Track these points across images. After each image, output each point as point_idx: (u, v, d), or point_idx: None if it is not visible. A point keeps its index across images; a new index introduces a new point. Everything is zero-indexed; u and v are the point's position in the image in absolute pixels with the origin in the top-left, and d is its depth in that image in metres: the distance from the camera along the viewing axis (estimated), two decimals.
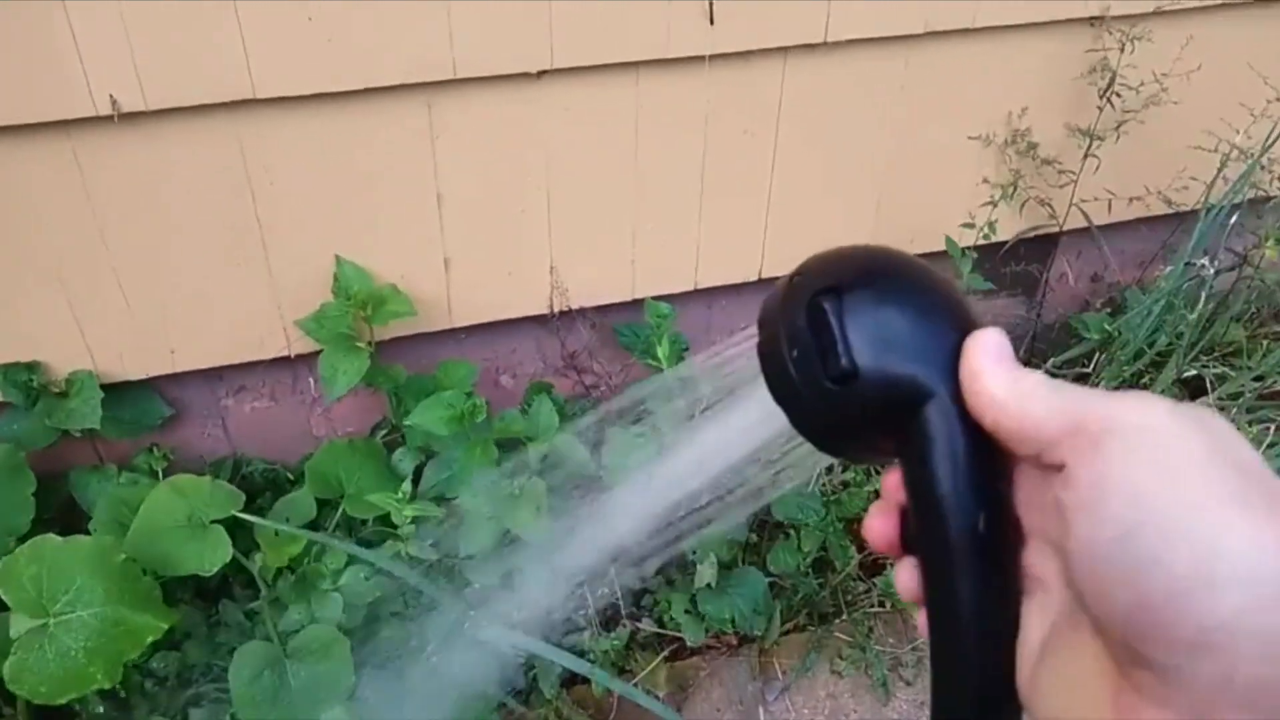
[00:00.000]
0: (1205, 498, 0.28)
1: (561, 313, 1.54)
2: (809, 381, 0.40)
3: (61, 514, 1.39)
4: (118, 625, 1.07)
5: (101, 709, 1.23)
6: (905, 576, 0.39)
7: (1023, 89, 1.57)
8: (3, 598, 1.04)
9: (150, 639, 1.08)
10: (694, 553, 1.37)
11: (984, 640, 0.38)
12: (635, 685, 1.31)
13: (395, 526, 1.36)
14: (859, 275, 0.41)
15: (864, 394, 0.39)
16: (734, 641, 1.49)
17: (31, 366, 1.31)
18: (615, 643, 1.37)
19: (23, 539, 1.21)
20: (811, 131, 1.49)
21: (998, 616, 0.38)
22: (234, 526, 1.32)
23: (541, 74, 1.30)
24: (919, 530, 0.39)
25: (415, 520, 1.35)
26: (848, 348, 0.39)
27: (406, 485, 1.37)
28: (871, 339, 0.39)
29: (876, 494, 1.46)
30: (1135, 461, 0.30)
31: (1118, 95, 1.52)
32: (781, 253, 1.59)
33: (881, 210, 1.59)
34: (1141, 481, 0.29)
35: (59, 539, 1.09)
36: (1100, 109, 1.54)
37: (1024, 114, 1.57)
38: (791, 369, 0.40)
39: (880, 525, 0.41)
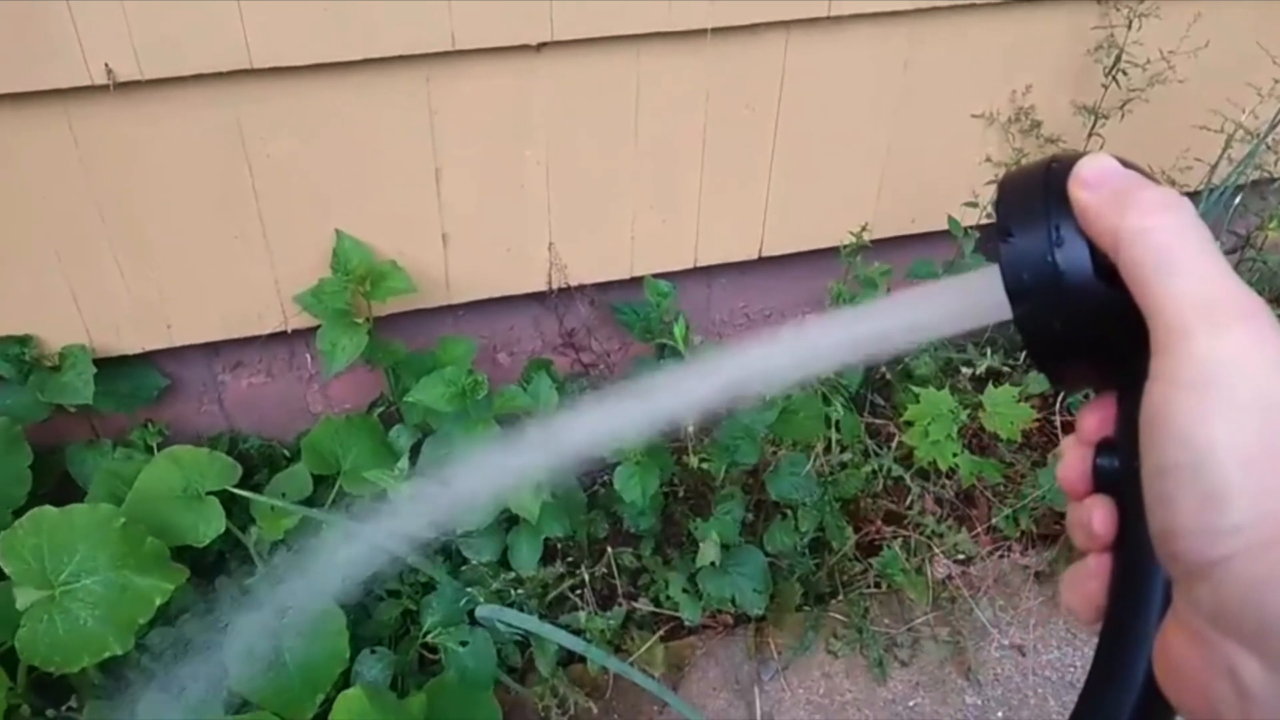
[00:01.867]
0: (1249, 447, 0.31)
1: (560, 290, 1.53)
2: (1074, 274, 0.37)
3: (57, 488, 1.38)
4: (125, 590, 1.07)
5: (98, 681, 1.23)
6: (1096, 517, 0.38)
7: (1027, 66, 1.55)
8: (6, 570, 1.04)
9: (159, 600, 1.08)
10: (694, 529, 1.36)
11: None
12: (631, 664, 1.31)
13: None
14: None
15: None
16: (729, 621, 1.49)
17: (24, 340, 1.29)
18: (611, 622, 1.37)
19: (19, 512, 1.20)
20: (814, 108, 1.47)
21: None
22: (230, 501, 1.32)
23: (541, 47, 1.29)
24: (1131, 470, 0.36)
25: (412, 497, 1.35)
26: None
27: (404, 462, 1.36)
28: None
29: (873, 473, 1.43)
30: (1198, 400, 0.32)
31: (1124, 73, 1.50)
32: (782, 231, 1.57)
33: (884, 188, 1.58)
34: (1192, 423, 0.32)
35: (56, 510, 1.08)
36: (1105, 87, 1.52)
37: (1028, 92, 1.56)
38: (1055, 258, 0.37)
39: (1073, 462, 0.39)
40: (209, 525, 1.23)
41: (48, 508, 1.08)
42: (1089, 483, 0.39)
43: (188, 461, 1.29)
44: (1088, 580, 0.38)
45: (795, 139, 1.49)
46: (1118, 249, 0.34)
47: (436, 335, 1.51)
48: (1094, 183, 0.36)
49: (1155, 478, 0.33)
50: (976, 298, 0.40)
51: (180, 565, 1.15)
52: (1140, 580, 0.37)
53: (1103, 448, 0.39)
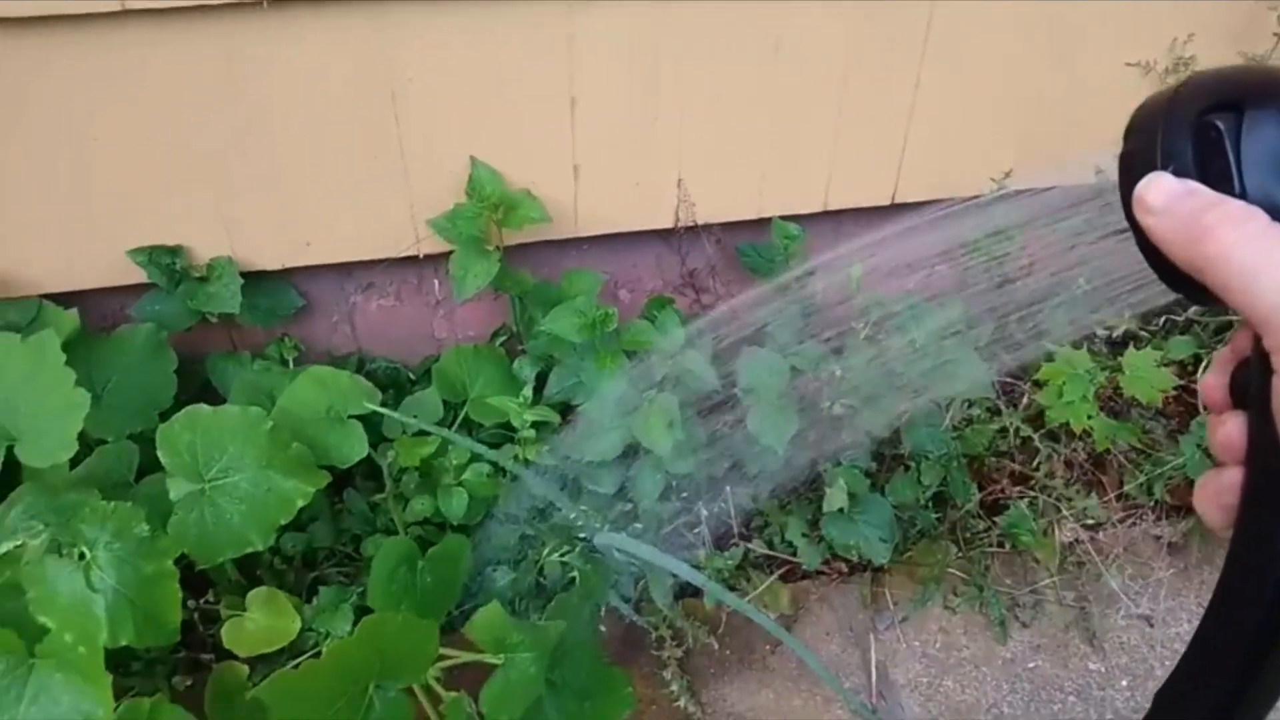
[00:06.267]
0: None
1: (686, 228, 1.52)
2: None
3: (197, 397, 1.43)
4: (269, 491, 1.10)
5: (234, 578, 1.28)
6: (1230, 429, 0.39)
7: (1190, 13, 1.46)
8: (162, 461, 1.08)
9: (301, 502, 1.12)
10: (821, 474, 1.35)
11: None
12: (748, 604, 1.31)
13: (514, 431, 1.37)
14: (1264, 94, 0.37)
15: None
16: (844, 569, 1.48)
17: (175, 250, 1.34)
18: (729, 561, 1.37)
19: (164, 415, 1.25)
20: (960, 52, 1.42)
21: None
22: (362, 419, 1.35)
23: None
24: (1261, 381, 0.36)
25: (535, 425, 1.36)
26: (1240, 172, 0.35)
27: (528, 391, 1.38)
28: (1271, 165, 0.35)
29: (1000, 432, 1.39)
30: None
31: None
32: (917, 178, 1.53)
33: (1028, 136, 1.52)
34: None
35: (209, 409, 1.12)
36: (1278, 35, 1.43)
37: (1189, 40, 1.47)
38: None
39: (1217, 375, 0.40)
40: (352, 448, 1.27)
41: (202, 406, 1.12)
42: (1227, 397, 0.40)
43: (330, 382, 1.32)
44: (1220, 489, 0.39)
45: (938, 83, 1.44)
46: (1202, 275, 0.34)
47: (560, 268, 1.51)
48: (1159, 208, 0.36)
49: None
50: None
51: (322, 471, 1.18)
52: (1271, 495, 0.38)
53: (1243, 365, 0.40)
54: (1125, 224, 0.40)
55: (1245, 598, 0.39)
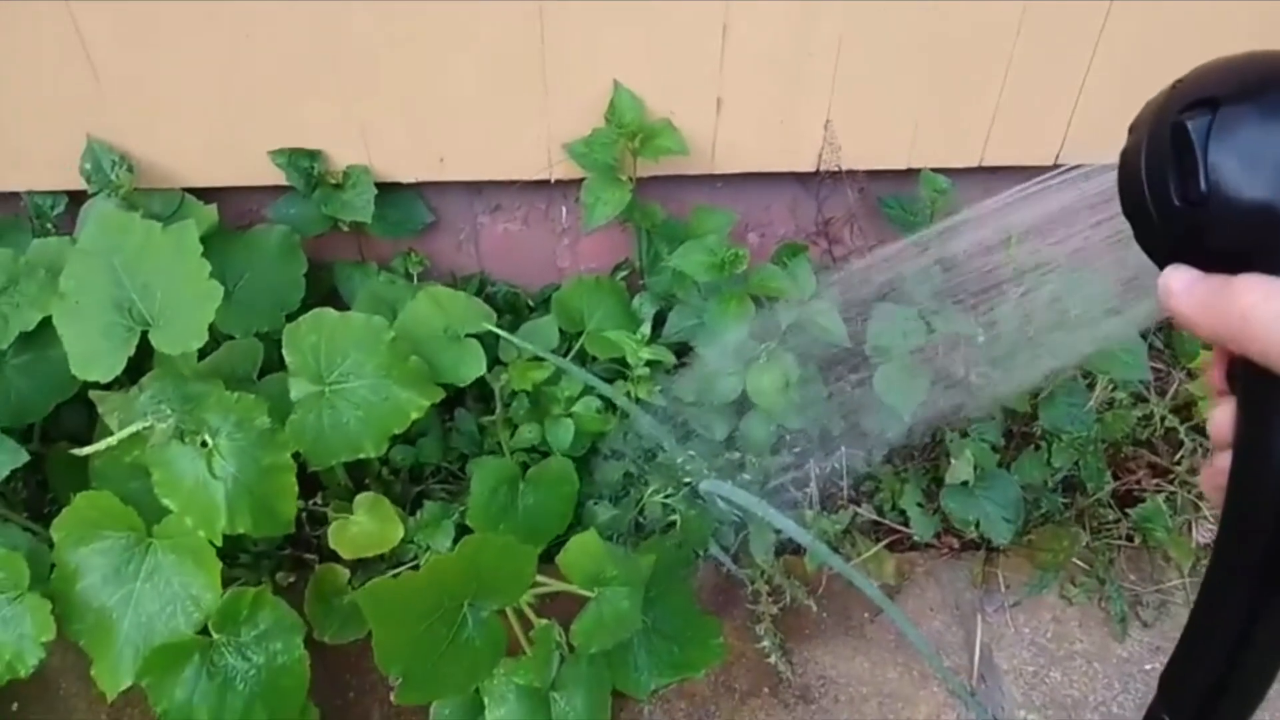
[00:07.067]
0: None
1: (828, 173, 1.45)
2: (1157, 198, 0.39)
3: (324, 301, 1.44)
4: (386, 399, 1.11)
5: (343, 482, 1.30)
6: (1220, 415, 0.42)
7: None
8: (287, 361, 1.10)
9: (415, 415, 1.12)
10: (949, 443, 1.28)
11: None
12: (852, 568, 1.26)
13: (628, 368, 1.34)
14: (1240, 88, 0.37)
15: (1213, 220, 0.37)
16: (955, 545, 1.41)
17: (314, 154, 1.35)
18: (836, 524, 1.32)
19: (291, 317, 1.27)
20: (1151, 4, 1.29)
21: None
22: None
23: None
24: (1246, 376, 0.39)
25: (650, 364, 1.33)
26: (1205, 170, 0.36)
27: (646, 327, 1.35)
28: (1237, 163, 0.36)
29: (1143, 420, 1.29)
30: None
31: None
32: (1086, 138, 1.41)
33: None
34: None
35: (335, 313, 1.13)
36: None
37: None
38: (1144, 180, 0.39)
39: (1216, 365, 0.43)
40: (469, 367, 1.26)
41: (328, 310, 1.13)
42: (1224, 385, 0.43)
43: (447, 302, 1.32)
44: (1215, 472, 0.42)
45: (1125, 33, 1.32)
46: (1239, 347, 0.37)
47: (691, 204, 1.46)
48: (1181, 291, 0.39)
49: None
50: None
51: (438, 387, 1.18)
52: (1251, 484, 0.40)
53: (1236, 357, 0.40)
54: None
55: (1230, 581, 0.42)
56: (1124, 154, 0.42)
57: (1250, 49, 0.40)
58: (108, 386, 1.16)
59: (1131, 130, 0.42)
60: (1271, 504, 0.38)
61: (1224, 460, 0.41)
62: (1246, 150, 0.36)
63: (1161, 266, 0.41)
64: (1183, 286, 0.39)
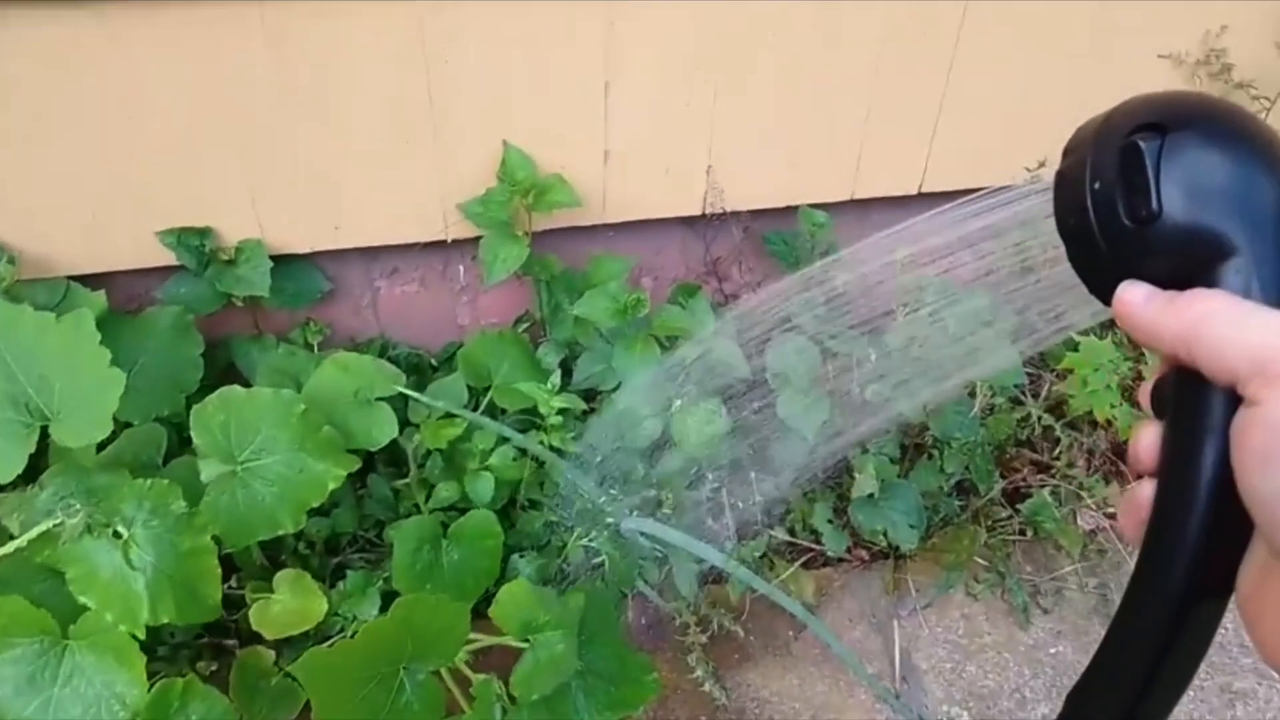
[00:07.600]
0: None
1: (713, 215, 1.52)
2: (1103, 216, 0.39)
3: (221, 380, 1.42)
4: (302, 472, 1.10)
5: (260, 561, 1.28)
6: (1144, 440, 0.41)
7: (1223, 5, 1.46)
8: (195, 442, 1.08)
9: (332, 485, 1.12)
10: (853, 459, 1.35)
11: (1217, 515, 0.38)
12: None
13: (540, 417, 1.37)
14: (1186, 117, 0.39)
15: (1162, 239, 0.38)
16: (865, 557, 1.48)
17: (204, 232, 1.33)
18: (754, 550, 1.37)
19: (191, 398, 1.25)
20: (993, 41, 1.42)
21: (1234, 502, 0.36)
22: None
23: None
24: (1178, 393, 0.39)
25: (561, 412, 1.36)
26: (1158, 190, 0.38)
27: (556, 377, 1.38)
28: (1187, 185, 0.38)
29: (1021, 421, 1.39)
30: None
31: None
32: (945, 168, 1.53)
33: (1061, 130, 1.51)
34: None
35: (243, 390, 1.12)
36: None
37: (1222, 32, 1.47)
38: (1089, 201, 0.40)
39: (1147, 387, 0.43)
40: (381, 430, 1.27)
41: (236, 388, 1.12)
42: (1149, 406, 0.42)
43: (354, 367, 1.32)
44: (1135, 505, 0.42)
45: (971, 69, 1.44)
46: (1190, 353, 0.37)
47: (586, 254, 1.51)
48: (1141, 302, 0.40)
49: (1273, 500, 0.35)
50: None
51: (352, 455, 1.18)
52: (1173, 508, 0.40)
53: (1164, 380, 0.41)
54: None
55: (1153, 602, 0.41)
56: (1061, 175, 0.42)
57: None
58: (2, 488, 1.11)
59: (1068, 153, 0.42)
60: (1199, 523, 0.38)
61: (1144, 492, 0.41)
62: (1194, 173, 0.38)
63: (1095, 285, 0.41)
64: (1141, 299, 0.40)
